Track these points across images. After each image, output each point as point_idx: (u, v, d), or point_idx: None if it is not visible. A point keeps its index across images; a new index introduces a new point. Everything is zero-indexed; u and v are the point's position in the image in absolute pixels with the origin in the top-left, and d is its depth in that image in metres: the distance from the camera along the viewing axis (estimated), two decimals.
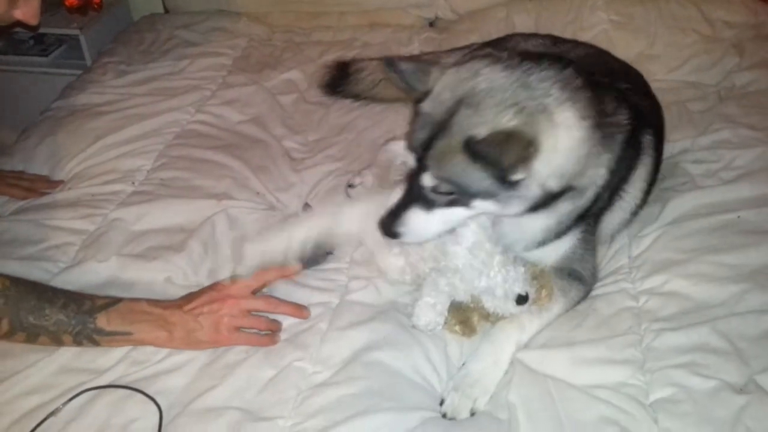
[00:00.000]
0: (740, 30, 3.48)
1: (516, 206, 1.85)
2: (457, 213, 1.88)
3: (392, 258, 2.20)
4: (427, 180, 1.81)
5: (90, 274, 2.30)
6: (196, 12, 4.25)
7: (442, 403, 1.87)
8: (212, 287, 2.03)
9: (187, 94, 3.38)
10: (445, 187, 1.80)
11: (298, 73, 3.59)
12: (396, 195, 1.93)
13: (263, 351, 2.02)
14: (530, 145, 1.71)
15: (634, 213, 2.32)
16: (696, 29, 3.51)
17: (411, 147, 1.86)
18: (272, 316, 2.09)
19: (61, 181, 2.82)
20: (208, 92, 3.42)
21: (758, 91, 3.04)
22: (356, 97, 3.33)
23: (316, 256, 2.26)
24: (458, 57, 3.10)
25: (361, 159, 2.88)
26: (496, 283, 1.94)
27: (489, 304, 1.99)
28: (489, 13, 3.88)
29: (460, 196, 1.82)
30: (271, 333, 2.04)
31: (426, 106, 1.85)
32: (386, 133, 2.98)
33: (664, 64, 3.36)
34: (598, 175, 1.97)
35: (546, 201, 1.88)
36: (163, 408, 1.85)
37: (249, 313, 2.00)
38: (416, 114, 1.88)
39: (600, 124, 1.88)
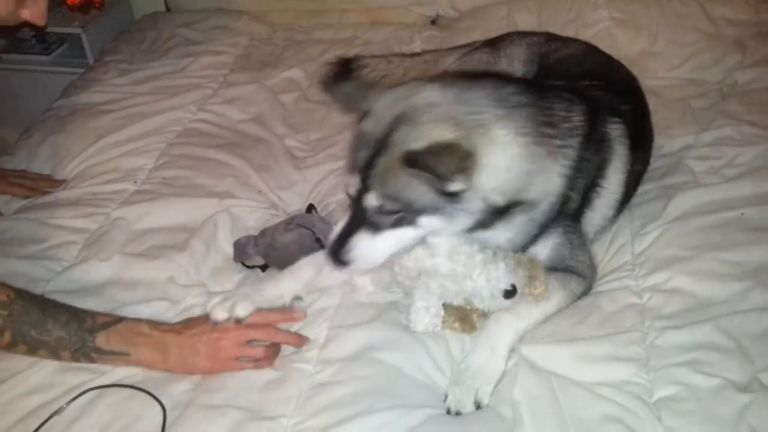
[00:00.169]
0: (742, 27, 3.47)
1: (462, 221, 1.88)
2: (405, 233, 1.89)
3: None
4: (372, 200, 1.82)
5: (92, 273, 2.31)
6: (198, 10, 4.25)
7: (446, 400, 1.87)
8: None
9: (189, 92, 3.38)
10: (390, 206, 1.81)
11: (299, 71, 3.59)
12: (341, 222, 1.92)
13: None
14: (468, 156, 1.75)
15: (619, 207, 2.34)
16: (698, 27, 3.51)
17: (352, 168, 1.87)
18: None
19: (63, 180, 2.82)
20: (209, 91, 3.42)
21: (761, 88, 3.03)
22: None
23: None
24: (459, 55, 3.13)
25: None
26: (480, 285, 1.95)
27: (480, 304, 2.00)
28: (490, 11, 3.87)
29: (406, 214, 1.83)
30: (267, 357, 2.01)
31: (365, 125, 1.87)
32: None
33: (666, 62, 3.36)
34: (550, 186, 2.00)
35: (495, 216, 1.91)
36: (166, 407, 1.85)
37: (248, 344, 1.99)
38: (355, 135, 1.90)
39: (544, 137, 1.93)
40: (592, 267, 2.21)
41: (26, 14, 1.96)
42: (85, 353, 1.92)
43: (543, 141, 1.93)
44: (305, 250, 2.23)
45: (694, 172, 2.54)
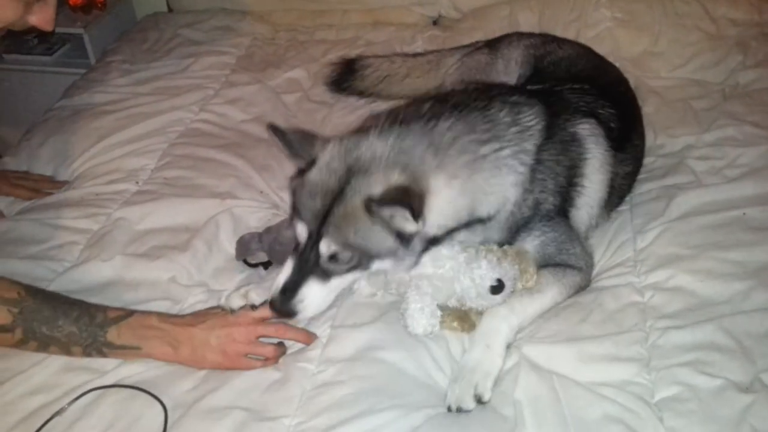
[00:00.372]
0: (744, 28, 3.47)
1: (409, 261, 1.94)
2: (354, 276, 1.95)
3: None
4: (326, 248, 1.85)
5: (94, 274, 2.31)
6: (200, 11, 4.25)
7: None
8: (226, 312, 2.03)
9: (191, 93, 3.38)
10: (345, 255, 1.85)
11: (301, 71, 3.59)
12: (284, 271, 1.93)
13: None
14: (421, 197, 1.82)
15: (605, 206, 2.35)
16: (700, 27, 3.51)
17: (302, 218, 1.89)
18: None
19: (66, 182, 2.83)
20: (211, 91, 3.42)
21: (763, 89, 3.04)
22: (361, 93, 3.34)
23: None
24: (460, 55, 3.13)
25: None
26: (467, 285, 1.97)
27: (472, 304, 2.01)
28: (492, 11, 3.87)
29: (360, 260, 1.87)
30: (273, 357, 2.02)
31: (313, 176, 1.90)
32: None
33: (668, 62, 3.36)
34: (504, 198, 2.04)
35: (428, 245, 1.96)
36: (168, 408, 1.85)
37: (258, 340, 2.00)
38: (301, 185, 1.92)
39: (488, 157, 1.98)
40: (588, 259, 2.22)
41: (34, 20, 1.97)
42: (96, 348, 1.93)
43: (484, 164, 1.98)
44: None
45: (696, 173, 2.54)
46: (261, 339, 2.00)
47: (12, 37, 4.49)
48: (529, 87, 2.44)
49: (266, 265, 2.33)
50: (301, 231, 1.90)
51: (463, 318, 2.05)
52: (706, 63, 3.31)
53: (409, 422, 1.78)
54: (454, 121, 1.97)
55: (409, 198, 1.78)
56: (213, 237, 2.46)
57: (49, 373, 1.96)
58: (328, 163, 1.90)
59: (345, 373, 1.94)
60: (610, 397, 1.80)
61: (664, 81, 3.24)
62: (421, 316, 1.98)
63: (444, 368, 1.97)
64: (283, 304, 1.89)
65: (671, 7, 3.62)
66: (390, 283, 2.12)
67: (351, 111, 3.26)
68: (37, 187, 2.77)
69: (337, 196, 1.84)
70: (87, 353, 1.94)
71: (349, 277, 1.94)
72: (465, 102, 2.06)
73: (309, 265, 1.88)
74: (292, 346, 2.07)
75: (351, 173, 1.85)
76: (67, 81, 3.73)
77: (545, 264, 2.14)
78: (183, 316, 2.05)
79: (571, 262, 2.15)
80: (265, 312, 1.97)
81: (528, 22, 3.68)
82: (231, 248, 2.40)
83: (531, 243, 2.13)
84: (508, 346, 1.97)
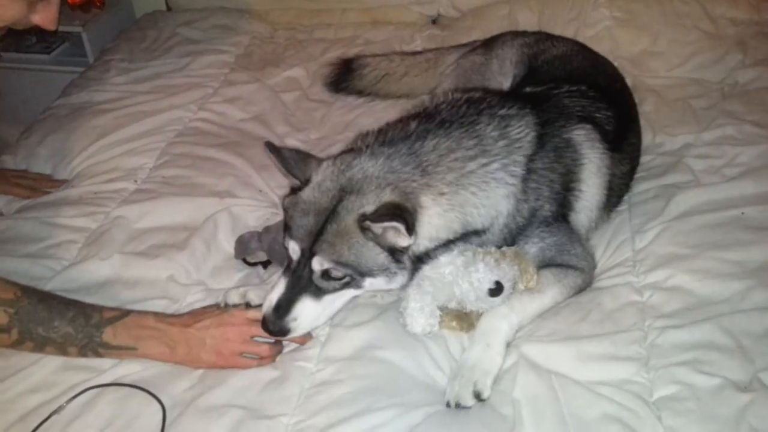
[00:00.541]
0: (743, 27, 3.48)
1: (401, 278, 1.97)
2: (347, 294, 1.98)
3: None
4: (319, 265, 1.88)
5: (92, 272, 2.31)
6: (199, 9, 4.25)
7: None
8: (222, 311, 2.03)
9: (190, 91, 3.38)
10: (338, 271, 1.89)
11: (300, 70, 3.60)
12: (276, 289, 1.94)
13: None
14: (413, 212, 1.88)
15: (604, 208, 2.35)
16: (699, 26, 3.51)
17: (295, 236, 1.91)
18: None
19: (64, 180, 2.83)
20: (210, 90, 3.42)
21: (761, 88, 3.04)
22: (360, 93, 3.35)
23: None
24: (459, 54, 3.13)
25: None
26: (465, 289, 1.97)
27: (472, 306, 2.01)
28: (491, 10, 3.88)
29: (353, 277, 1.90)
30: (269, 356, 2.02)
31: (307, 195, 1.94)
32: None
33: (667, 61, 3.36)
34: (496, 210, 2.06)
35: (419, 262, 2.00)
36: (166, 406, 1.85)
37: (253, 339, 2.00)
38: (294, 203, 1.95)
39: (476, 172, 2.01)
40: (590, 260, 2.23)
41: (37, 19, 1.97)
42: (92, 348, 1.93)
43: (471, 179, 2.01)
44: None
45: (695, 172, 2.54)
46: (257, 338, 2.00)
47: (10, 36, 4.48)
48: (527, 90, 2.44)
49: (265, 264, 2.33)
50: (294, 248, 1.92)
51: (462, 317, 2.05)
52: (705, 62, 3.31)
53: (408, 421, 1.78)
54: (440, 139, 2.02)
55: (402, 213, 1.83)
56: (211, 236, 2.46)
57: (47, 372, 1.96)
58: (320, 182, 1.94)
59: (344, 372, 1.94)
60: (609, 396, 1.80)
61: (663, 80, 3.24)
62: (420, 315, 1.98)
63: (443, 367, 1.97)
64: (276, 323, 1.91)
65: (670, 6, 3.62)
66: None
67: (349, 110, 3.27)
68: (36, 186, 2.77)
69: (330, 214, 1.88)
70: (83, 353, 1.94)
71: (341, 295, 1.97)
72: (452, 118, 2.10)
73: (302, 283, 1.91)
74: (288, 344, 2.07)
75: (344, 193, 1.90)
76: (65, 79, 3.73)
77: (546, 264, 2.15)
78: (179, 315, 2.05)
79: (572, 263, 2.16)
80: (259, 313, 1.97)
81: (527, 21, 3.68)
82: (229, 247, 2.40)
83: (530, 249, 2.14)
84: (508, 345, 1.97)
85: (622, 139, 2.42)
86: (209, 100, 3.33)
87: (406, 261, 1.94)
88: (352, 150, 2.03)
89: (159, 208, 2.60)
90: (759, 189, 2.39)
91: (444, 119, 2.09)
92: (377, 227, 1.84)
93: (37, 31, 3.54)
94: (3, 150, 3.11)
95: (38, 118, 3.27)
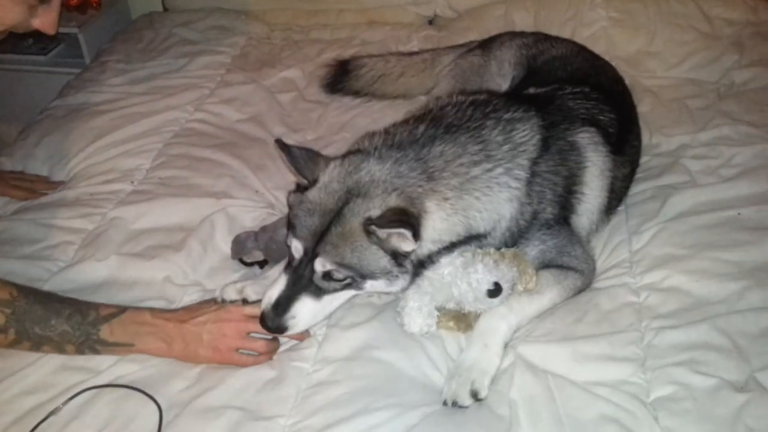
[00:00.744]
0: (740, 27, 3.48)
1: (402, 282, 1.96)
2: (347, 294, 1.98)
3: None
4: (321, 266, 1.88)
5: (89, 273, 2.31)
6: (195, 10, 4.25)
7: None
8: (218, 306, 2.03)
9: (186, 92, 3.38)
10: (340, 273, 1.89)
11: (296, 71, 3.59)
12: (276, 286, 1.95)
13: None
14: (418, 217, 1.88)
15: (606, 210, 2.35)
16: (695, 26, 3.51)
17: (299, 236, 1.91)
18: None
19: (61, 182, 2.82)
20: (206, 91, 3.42)
21: (758, 88, 3.04)
22: (356, 93, 3.34)
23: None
24: (455, 55, 3.13)
25: None
26: (464, 290, 1.97)
27: (470, 307, 2.01)
28: (488, 11, 3.88)
29: (354, 279, 1.91)
30: (267, 353, 2.02)
31: (313, 195, 1.94)
32: None
33: (664, 62, 3.37)
34: (499, 214, 2.06)
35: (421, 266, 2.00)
36: (163, 407, 1.85)
37: (249, 335, 2.00)
38: (299, 202, 1.95)
39: (480, 177, 2.01)
40: (590, 261, 2.23)
41: (37, 23, 1.98)
42: (89, 346, 1.94)
43: (476, 184, 2.01)
44: None
45: (691, 172, 2.54)
46: (253, 334, 2.00)
47: (8, 37, 4.48)
48: (531, 91, 2.44)
49: (262, 263, 2.33)
50: (297, 247, 1.92)
51: (460, 318, 2.06)
52: (701, 62, 3.31)
53: (405, 421, 1.78)
54: (447, 144, 2.02)
55: (408, 219, 1.83)
56: (208, 236, 2.45)
57: (44, 373, 1.95)
58: (327, 183, 1.94)
59: (341, 372, 1.95)
60: (606, 397, 1.80)
61: (660, 80, 3.25)
62: (418, 315, 1.99)
63: (440, 367, 1.97)
64: (275, 320, 1.91)
65: (667, 6, 3.62)
66: None
67: (346, 110, 3.26)
68: (33, 188, 2.76)
69: (336, 216, 1.88)
70: (80, 351, 1.94)
71: (341, 296, 1.97)
72: (458, 122, 2.10)
73: (303, 282, 1.91)
74: (286, 342, 2.08)
75: (350, 195, 1.90)
76: (62, 81, 3.72)
77: (546, 266, 2.15)
78: (176, 310, 2.06)
79: (572, 265, 2.16)
80: (256, 310, 1.97)
81: (523, 22, 3.68)
82: (226, 248, 2.40)
83: (531, 251, 2.15)
84: (506, 346, 1.97)
85: (624, 141, 2.43)
86: (206, 101, 3.33)
87: (408, 265, 1.94)
88: (359, 151, 2.02)
89: (156, 209, 2.59)
90: (755, 189, 2.40)
91: (450, 123, 2.09)
92: (382, 232, 1.85)
93: (36, 35, 3.55)
94: (0, 151, 3.11)
95: (35, 120, 3.26)
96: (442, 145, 2.01)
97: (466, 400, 1.84)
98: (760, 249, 2.15)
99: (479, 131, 2.08)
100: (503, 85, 2.83)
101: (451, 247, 2.01)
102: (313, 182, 1.96)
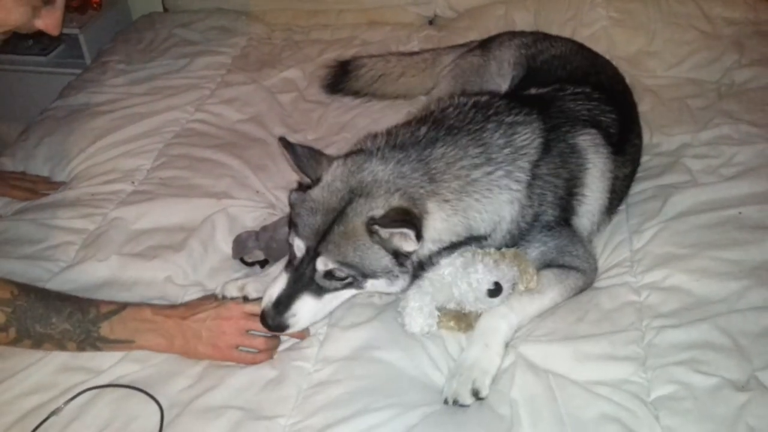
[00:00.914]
0: (740, 27, 3.48)
1: (402, 282, 1.97)
2: (347, 294, 1.99)
3: None
4: (323, 265, 1.89)
5: (90, 274, 2.31)
6: (195, 11, 4.25)
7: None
8: (219, 303, 2.04)
9: (187, 93, 3.38)
10: (342, 272, 1.89)
11: (297, 71, 3.59)
12: (276, 284, 1.95)
13: None
14: (421, 218, 1.89)
15: (607, 211, 2.35)
16: (696, 26, 3.51)
17: (301, 234, 1.92)
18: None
19: (62, 182, 2.82)
20: (207, 91, 3.42)
21: (758, 87, 3.05)
22: (357, 93, 3.34)
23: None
24: (455, 55, 3.13)
25: None
26: (464, 290, 1.97)
27: (471, 307, 2.01)
28: (488, 11, 3.87)
29: (356, 278, 1.91)
30: (266, 350, 2.03)
31: (316, 194, 1.94)
32: None
33: (664, 61, 3.36)
34: (499, 216, 2.06)
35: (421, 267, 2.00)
36: (164, 407, 1.85)
37: (248, 333, 2.00)
38: (302, 201, 1.95)
39: (479, 180, 2.02)
40: (591, 261, 2.23)
41: (40, 24, 1.98)
42: (90, 343, 1.94)
43: (476, 187, 2.01)
44: None
45: (692, 171, 2.54)
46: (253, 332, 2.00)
47: (9, 38, 4.48)
48: (532, 92, 2.44)
49: (263, 263, 2.33)
50: (299, 246, 1.92)
51: (461, 318, 2.06)
52: (701, 62, 3.31)
53: (406, 421, 1.78)
54: (448, 147, 2.03)
55: (411, 219, 1.84)
56: (209, 237, 2.46)
57: (45, 373, 1.96)
58: (331, 182, 1.94)
59: (341, 372, 1.95)
60: (607, 396, 1.80)
61: (660, 80, 3.25)
62: (419, 315, 1.99)
63: (441, 367, 1.97)
64: (275, 318, 1.92)
65: (667, 6, 3.62)
66: None
67: (346, 111, 3.26)
68: (34, 188, 2.76)
69: (338, 215, 1.88)
70: (81, 348, 1.95)
71: (341, 295, 1.98)
72: (459, 125, 2.10)
73: (304, 280, 1.92)
74: (287, 341, 2.08)
75: (353, 195, 1.90)
76: (62, 81, 3.72)
77: (548, 266, 2.15)
78: (176, 307, 2.06)
79: (574, 264, 2.16)
80: (256, 307, 1.98)
81: (523, 21, 3.68)
82: (227, 248, 2.40)
83: (532, 252, 2.15)
84: (507, 345, 1.97)
85: (625, 140, 2.43)
86: (206, 102, 3.33)
87: (409, 265, 1.94)
88: (361, 151, 2.03)
89: (156, 210, 2.60)
90: (756, 188, 2.40)
91: (452, 126, 2.09)
92: (385, 232, 1.85)
93: (38, 36, 3.56)
94: (1, 152, 3.11)
95: (36, 120, 3.26)
96: (444, 147, 2.02)
97: (467, 398, 1.84)
98: (761, 248, 2.15)
99: (480, 134, 2.09)
100: (503, 85, 2.83)
101: (451, 248, 2.01)
102: (316, 181, 1.97)
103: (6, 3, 1.85)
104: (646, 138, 2.74)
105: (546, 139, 2.15)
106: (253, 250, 2.34)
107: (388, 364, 1.95)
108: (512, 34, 3.07)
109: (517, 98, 2.35)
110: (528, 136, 2.12)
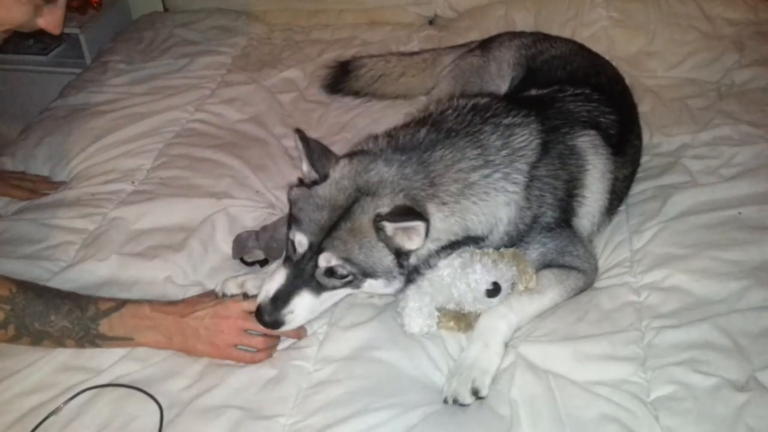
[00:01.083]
0: (740, 27, 3.48)
1: (398, 284, 1.98)
2: (342, 293, 1.99)
3: None
4: (327, 261, 1.89)
5: (90, 273, 2.31)
6: (196, 10, 4.26)
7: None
8: (217, 301, 2.04)
9: (187, 92, 3.38)
10: (344, 269, 1.89)
11: (297, 71, 3.60)
12: (275, 279, 1.95)
13: None
14: (424, 217, 1.87)
15: (607, 212, 2.35)
16: (696, 26, 3.51)
17: (305, 230, 1.91)
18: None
19: (63, 182, 2.82)
20: (207, 91, 3.42)
21: (758, 88, 3.05)
22: (357, 93, 3.35)
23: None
24: (455, 55, 3.13)
25: None
26: (463, 290, 1.98)
27: (470, 308, 2.02)
28: (488, 11, 3.88)
29: (356, 276, 1.91)
30: (265, 349, 2.03)
31: (323, 190, 1.94)
32: None
33: (664, 61, 3.36)
34: (496, 218, 2.06)
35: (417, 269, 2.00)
36: (163, 407, 1.85)
37: (246, 332, 2.00)
38: (307, 197, 1.96)
39: (477, 182, 2.02)
40: (592, 261, 2.23)
41: (42, 23, 1.98)
42: (89, 340, 1.95)
43: (474, 189, 2.02)
44: None
45: (692, 172, 2.54)
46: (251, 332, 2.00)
47: (10, 37, 4.48)
48: (532, 93, 2.45)
49: (263, 263, 2.33)
50: (302, 241, 1.92)
51: (460, 318, 2.06)
52: (701, 62, 3.31)
53: (406, 421, 1.78)
54: (447, 150, 2.04)
55: (416, 215, 1.85)
56: (209, 237, 2.46)
57: (44, 373, 1.96)
58: (338, 180, 1.95)
59: (341, 372, 1.95)
60: (606, 396, 1.80)
61: (660, 80, 3.25)
62: (419, 316, 1.99)
63: (441, 367, 1.97)
64: (271, 314, 1.91)
65: (667, 6, 3.63)
66: None
67: (346, 110, 3.27)
68: (34, 188, 2.76)
69: (345, 212, 1.89)
70: (80, 345, 1.95)
71: (337, 294, 1.97)
72: (458, 127, 2.11)
73: (304, 276, 1.91)
74: (286, 341, 2.08)
75: (360, 193, 1.91)
76: (62, 81, 3.73)
77: (548, 266, 2.16)
78: (175, 303, 2.06)
79: (574, 265, 2.16)
80: (254, 305, 1.98)
81: (524, 22, 3.69)
82: (227, 248, 2.40)
83: (532, 254, 2.15)
84: (506, 345, 1.97)
85: (625, 141, 2.42)
86: (206, 102, 3.33)
87: (406, 267, 1.95)
88: (364, 152, 2.04)
89: (156, 210, 2.60)
90: (756, 189, 2.40)
91: (451, 128, 2.10)
92: (394, 227, 1.85)
93: (39, 35, 3.56)
94: (1, 151, 3.11)
95: (36, 120, 3.27)
96: (443, 150, 2.03)
97: (467, 398, 1.84)
98: (761, 248, 2.15)
99: (478, 136, 2.09)
100: (502, 85, 2.83)
101: (449, 247, 2.01)
102: (324, 177, 1.97)
103: (7, 1, 1.85)
104: (646, 138, 2.74)
105: (544, 140, 2.15)
106: (253, 249, 2.34)
107: (388, 364, 1.95)
108: (512, 35, 3.07)
109: (516, 100, 2.35)
110: (526, 138, 2.12)
